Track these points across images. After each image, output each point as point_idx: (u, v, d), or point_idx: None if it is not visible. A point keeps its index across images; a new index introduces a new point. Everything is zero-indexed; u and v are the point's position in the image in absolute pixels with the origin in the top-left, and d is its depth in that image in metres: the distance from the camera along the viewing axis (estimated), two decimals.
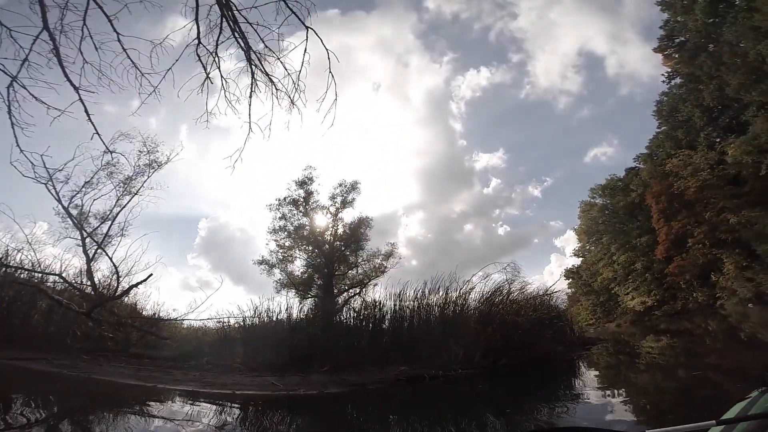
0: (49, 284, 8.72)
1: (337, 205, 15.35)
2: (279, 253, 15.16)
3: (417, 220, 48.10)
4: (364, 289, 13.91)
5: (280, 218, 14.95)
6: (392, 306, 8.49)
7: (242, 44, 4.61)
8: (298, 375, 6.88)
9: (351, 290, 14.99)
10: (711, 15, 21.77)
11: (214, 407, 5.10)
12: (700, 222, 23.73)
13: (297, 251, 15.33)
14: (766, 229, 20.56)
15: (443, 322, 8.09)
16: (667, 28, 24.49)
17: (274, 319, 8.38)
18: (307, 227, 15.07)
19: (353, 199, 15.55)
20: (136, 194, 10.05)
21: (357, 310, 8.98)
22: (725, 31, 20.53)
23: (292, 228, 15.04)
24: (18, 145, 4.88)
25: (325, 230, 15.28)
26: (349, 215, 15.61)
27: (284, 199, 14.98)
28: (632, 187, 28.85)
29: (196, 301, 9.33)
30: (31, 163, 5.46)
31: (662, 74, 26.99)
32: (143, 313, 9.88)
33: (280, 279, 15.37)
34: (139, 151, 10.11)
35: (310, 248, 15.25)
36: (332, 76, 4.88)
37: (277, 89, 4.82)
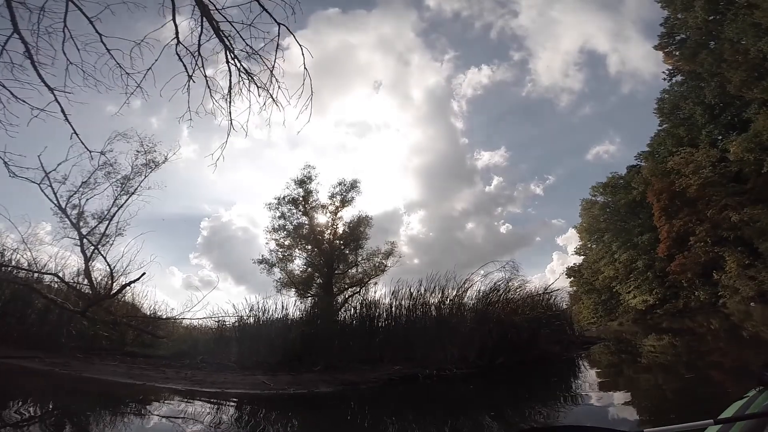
0: (45, 284, 8.62)
1: (336, 203, 15.20)
2: (279, 252, 15.04)
3: (419, 218, 47.93)
4: (363, 288, 13.74)
5: (280, 217, 14.84)
6: (387, 305, 8.33)
7: (226, 43, 4.48)
8: (290, 374, 6.77)
9: (351, 289, 14.83)
10: (711, 12, 21.41)
11: (199, 405, 5.03)
12: (701, 220, 23.35)
13: (297, 250, 15.20)
14: None
15: (439, 321, 7.90)
16: (668, 25, 24.18)
17: (270, 318, 8.26)
18: (306, 226, 14.93)
19: (353, 197, 15.42)
20: (133, 194, 9.92)
21: (352, 309, 8.85)
22: (726, 28, 20.18)
23: (291, 227, 14.92)
24: None
25: (325, 229, 15.12)
26: (348, 214, 15.47)
27: (283, 198, 14.88)
28: (633, 185, 28.49)
29: (192, 300, 9.23)
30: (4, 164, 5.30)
31: (663, 72, 26.72)
32: (140, 312, 9.76)
33: (280, 278, 15.26)
34: (137, 151, 10.01)
35: (310, 247, 15.11)
36: (307, 72, 4.90)
37: (258, 87, 4.66)
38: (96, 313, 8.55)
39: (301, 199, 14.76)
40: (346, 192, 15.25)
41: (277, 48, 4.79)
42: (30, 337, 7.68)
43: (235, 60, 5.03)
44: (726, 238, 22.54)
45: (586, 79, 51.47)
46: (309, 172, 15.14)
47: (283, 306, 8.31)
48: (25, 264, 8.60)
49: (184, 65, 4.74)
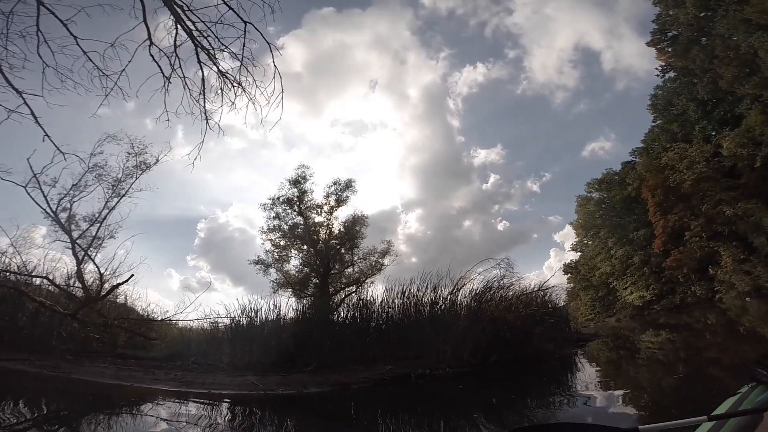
0: (36, 287, 8.48)
1: (331, 203, 15.04)
2: (274, 253, 14.86)
3: (416, 217, 47.73)
4: (360, 288, 13.58)
5: (274, 218, 14.67)
6: (381, 305, 8.18)
7: (197, 43, 4.40)
8: (280, 375, 6.64)
9: (347, 289, 14.65)
10: (702, 8, 21.31)
11: (183, 406, 4.98)
12: (696, 215, 23.22)
13: (292, 251, 15.03)
14: (763, 221, 20.07)
15: (433, 320, 7.74)
16: (660, 22, 24.03)
17: (263, 319, 8.11)
18: (301, 226, 14.74)
19: (348, 197, 15.25)
20: (123, 196, 9.80)
21: (346, 309, 8.70)
22: (717, 24, 20.07)
23: (286, 227, 14.74)
24: None
25: (320, 229, 14.93)
26: (344, 213, 15.30)
27: (278, 198, 14.70)
28: (628, 180, 28.34)
29: (184, 302, 9.10)
30: None
31: (656, 68, 26.60)
32: (132, 314, 9.61)
33: (276, 279, 15.08)
34: (128, 153, 9.88)
35: (306, 247, 14.93)
36: (277, 70, 4.89)
37: (234, 86, 4.58)
38: (87, 316, 8.42)
39: (295, 199, 14.59)
40: (341, 191, 15.12)
41: (243, 46, 4.75)
42: (21, 339, 7.67)
43: (215, 60, 4.91)
44: (721, 233, 22.41)
45: (580, 77, 51.50)
46: (303, 172, 15.01)
47: (275, 307, 8.13)
48: (15, 267, 8.46)
49: (159, 67, 4.75)
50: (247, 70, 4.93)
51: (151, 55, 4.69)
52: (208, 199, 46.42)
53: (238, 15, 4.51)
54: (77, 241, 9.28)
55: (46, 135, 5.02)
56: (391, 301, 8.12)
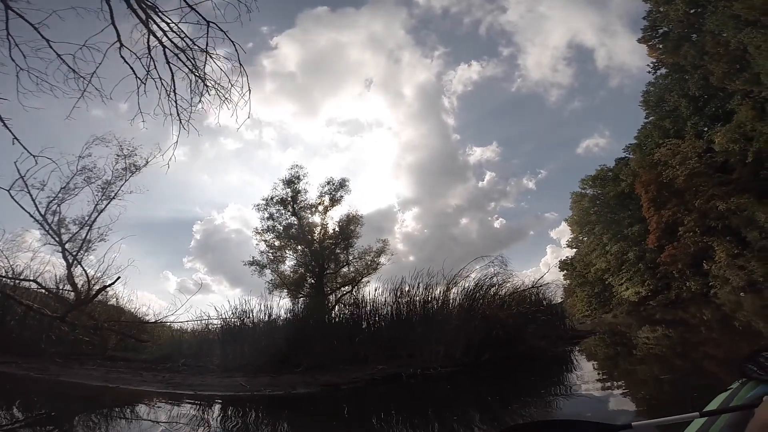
0: (24, 289, 8.30)
1: (325, 203, 14.85)
2: (269, 254, 14.66)
3: (413, 215, 47.66)
4: (355, 287, 13.39)
5: (268, 218, 14.46)
6: (372, 304, 8.02)
7: (162, 42, 4.29)
8: (270, 375, 6.48)
9: (342, 289, 14.45)
10: (692, 5, 21.23)
11: (166, 407, 4.94)
12: (689, 210, 23.13)
13: (287, 251, 14.81)
14: (755, 216, 19.97)
15: (425, 319, 7.56)
16: (650, 18, 23.90)
17: (254, 320, 7.95)
18: (295, 226, 14.54)
19: (341, 196, 15.08)
20: (113, 198, 9.62)
21: (338, 309, 8.54)
22: (707, 21, 19.99)
23: (281, 228, 14.54)
24: None
25: (315, 229, 14.75)
26: (338, 213, 15.12)
27: (271, 198, 14.50)
28: (622, 176, 28.22)
29: (177, 304, 8.93)
30: None
31: (648, 65, 26.44)
32: (124, 316, 9.43)
33: (271, 279, 14.88)
34: (117, 155, 9.70)
35: (300, 248, 14.73)
36: (243, 69, 4.88)
37: (207, 86, 4.51)
38: (77, 318, 8.25)
39: (289, 199, 14.41)
40: (335, 191, 14.96)
41: (207, 45, 4.70)
42: (10, 342, 7.58)
43: (193, 62, 4.81)
44: (714, 228, 22.32)
45: (574, 74, 51.56)
46: (297, 172, 14.83)
47: (267, 307, 7.96)
48: (2, 271, 8.29)
49: (132, 68, 4.69)
50: (222, 70, 4.83)
51: (122, 57, 4.64)
52: (203, 200, 46.27)
53: (200, 14, 4.46)
54: (66, 244, 9.12)
55: (16, 138, 4.92)
56: (383, 300, 7.99)
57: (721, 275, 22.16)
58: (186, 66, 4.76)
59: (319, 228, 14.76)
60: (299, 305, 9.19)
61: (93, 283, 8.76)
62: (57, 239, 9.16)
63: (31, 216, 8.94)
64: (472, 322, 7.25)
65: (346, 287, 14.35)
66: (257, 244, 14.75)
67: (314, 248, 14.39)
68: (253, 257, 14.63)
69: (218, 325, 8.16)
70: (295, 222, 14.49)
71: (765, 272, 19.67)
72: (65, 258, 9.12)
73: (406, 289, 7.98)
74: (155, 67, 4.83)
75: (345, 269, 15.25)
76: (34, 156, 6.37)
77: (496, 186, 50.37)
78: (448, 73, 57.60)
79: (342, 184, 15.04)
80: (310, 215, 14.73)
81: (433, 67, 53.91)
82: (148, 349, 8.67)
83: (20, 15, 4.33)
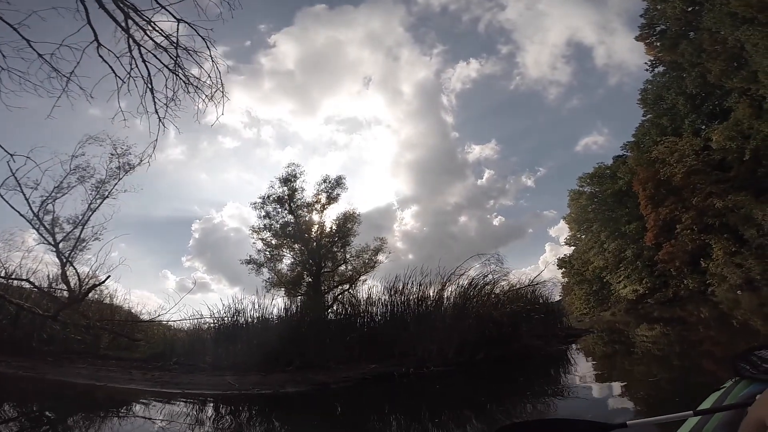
0: (16, 288, 8.17)
1: (322, 201, 14.67)
2: (266, 252, 14.51)
3: (412, 213, 47.43)
4: (352, 286, 13.22)
5: (265, 216, 14.30)
6: (366, 302, 7.87)
7: (135, 41, 4.24)
8: (260, 374, 6.35)
9: (340, 287, 14.29)
10: (689, 2, 21.03)
11: (149, 405, 4.93)
12: (687, 207, 22.92)
13: (284, 249, 14.65)
14: (753, 213, 19.73)
15: (419, 318, 7.40)
16: (648, 16, 23.67)
17: (247, 318, 7.82)
18: (292, 225, 14.38)
19: (338, 194, 14.89)
20: (107, 197, 9.49)
21: (333, 307, 8.38)
22: (704, 18, 19.74)
23: (277, 226, 14.38)
24: None
25: (312, 227, 14.58)
26: (335, 211, 14.95)
27: (268, 197, 14.34)
28: (619, 174, 27.98)
29: (175, 302, 8.81)
30: None
31: (646, 63, 26.18)
32: (117, 315, 9.29)
33: (269, 278, 14.72)
34: (111, 155, 9.56)
35: (298, 246, 14.57)
36: (216, 67, 4.86)
37: (186, 83, 4.43)
38: (69, 317, 8.10)
39: (286, 197, 14.24)
40: (332, 189, 14.77)
41: (176, 43, 4.63)
42: (3, 341, 7.46)
43: (178, 61, 4.73)
44: (711, 225, 22.10)
45: (573, 72, 50.78)
46: (293, 170, 14.66)
47: (260, 306, 7.82)
48: None
49: (111, 67, 4.64)
50: (201, 67, 4.69)
51: (101, 56, 4.54)
52: (202, 199, 46.09)
53: (170, 12, 4.36)
54: (60, 243, 8.99)
55: None
56: (376, 299, 7.84)
57: (719, 273, 21.96)
58: (162, 63, 4.68)
59: (316, 226, 14.62)
60: (293, 304, 8.99)
61: (86, 282, 8.63)
62: (51, 238, 9.05)
63: (23, 216, 8.80)
64: (465, 321, 7.13)
65: (344, 286, 14.20)
66: (254, 243, 14.62)
67: (311, 247, 14.23)
68: (250, 256, 14.51)
69: (211, 324, 8.04)
70: (292, 220, 14.35)
71: (762, 270, 19.48)
72: (59, 257, 9.01)
73: (401, 287, 7.82)
74: (136, 66, 4.72)
75: (342, 267, 15.13)
76: (11, 155, 6.27)
77: (495, 184, 50.01)
78: (447, 70, 56.90)
79: (338, 182, 14.90)
80: (307, 213, 14.59)
81: (431, 64, 53.49)
82: (141, 347, 8.54)
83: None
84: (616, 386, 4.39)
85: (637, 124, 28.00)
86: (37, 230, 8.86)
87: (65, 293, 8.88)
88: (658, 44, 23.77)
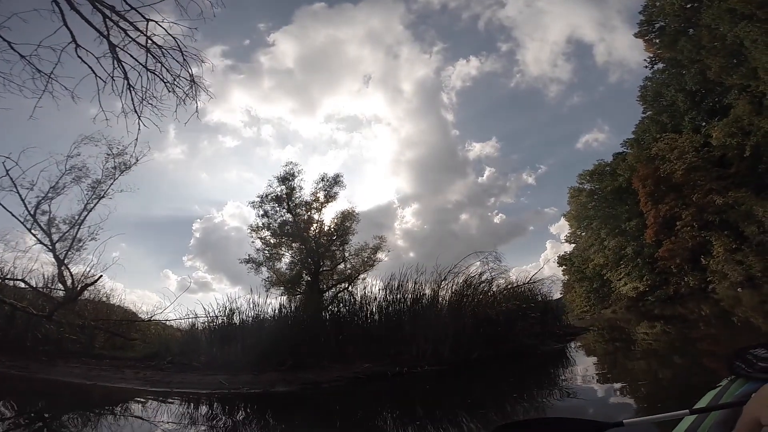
0: (11, 288, 8.10)
1: (320, 199, 14.52)
2: (265, 251, 14.38)
3: (413, 211, 47.16)
4: (351, 285, 13.08)
5: (263, 215, 14.17)
6: (361, 301, 7.72)
7: (110, 42, 4.11)
8: (252, 374, 6.21)
9: (338, 286, 14.15)
10: None
11: (134, 403, 4.93)
12: (687, 204, 22.62)
13: (283, 248, 14.52)
14: (753, 210, 19.41)
15: (414, 316, 7.24)
16: (647, 13, 23.30)
17: (242, 318, 7.70)
18: (291, 223, 14.24)
19: (336, 192, 14.73)
20: (102, 197, 9.41)
21: (327, 307, 8.23)
22: (703, 15, 19.41)
23: (276, 225, 14.25)
24: None
25: (310, 226, 14.43)
26: (333, 209, 14.79)
27: (266, 196, 14.21)
28: (619, 171, 27.64)
29: (174, 302, 8.72)
30: None
31: (645, 60, 25.86)
32: (114, 314, 9.20)
33: (268, 277, 14.60)
34: (107, 155, 9.48)
35: (296, 245, 14.43)
36: (188, 64, 4.80)
37: (164, 82, 4.36)
38: (64, 317, 8.00)
39: (284, 196, 14.11)
40: (330, 187, 14.61)
41: (147, 42, 4.53)
42: None
43: (158, 58, 4.65)
44: (712, 222, 21.79)
45: (574, 69, 50.22)
46: (291, 169, 14.50)
47: (255, 305, 7.68)
48: None
49: (90, 67, 4.64)
50: (181, 65, 4.64)
51: (80, 57, 4.55)
52: (202, 198, 46.06)
53: (137, 11, 4.28)
54: (57, 243, 8.91)
55: None
56: (372, 297, 7.69)
57: (719, 270, 21.64)
58: (138, 62, 4.56)
59: (314, 225, 14.46)
60: (288, 303, 8.82)
61: (81, 281, 8.53)
62: (47, 238, 8.99)
63: (16, 217, 8.72)
64: (461, 320, 6.95)
65: (343, 284, 14.05)
66: (253, 242, 14.50)
67: (310, 245, 14.09)
68: (249, 255, 14.39)
69: (205, 324, 7.92)
70: (291, 219, 14.21)
71: (763, 267, 19.18)
72: (55, 257, 8.93)
73: (396, 285, 7.66)
74: (119, 66, 4.64)
75: (341, 266, 14.98)
76: (6, 156, 6.22)
77: (495, 181, 49.65)
78: (447, 68, 56.31)
79: (336, 180, 14.73)
80: (305, 212, 14.43)
81: (431, 62, 53.04)
82: (137, 347, 8.44)
83: None
84: (614, 385, 4.29)
85: (637, 121, 27.74)
86: (30, 230, 8.78)
87: (62, 293, 8.82)
88: (657, 41, 23.44)
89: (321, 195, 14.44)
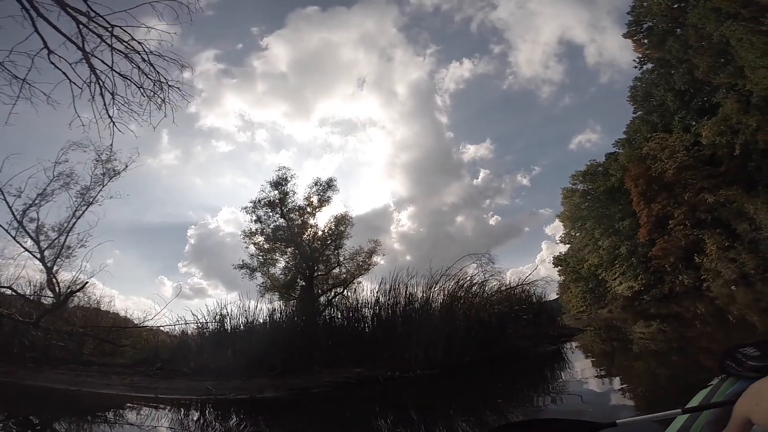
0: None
1: (314, 204, 14.35)
2: (259, 257, 14.16)
3: (408, 214, 47.09)
4: (346, 289, 12.87)
5: (256, 221, 13.97)
6: (353, 306, 7.57)
7: (79, 46, 4.08)
8: (241, 379, 6.04)
9: (333, 290, 13.93)
10: None
11: (111, 408, 4.89)
12: (679, 203, 22.64)
13: (277, 253, 14.30)
14: (744, 208, 19.41)
15: (406, 320, 7.10)
16: (635, 13, 23.40)
17: (232, 324, 7.53)
18: (284, 228, 14.05)
19: (329, 197, 14.57)
20: (91, 203, 9.24)
21: (320, 311, 8.08)
22: (689, 14, 19.52)
23: (269, 230, 14.05)
24: None
25: (304, 230, 14.23)
26: (327, 214, 14.62)
27: (259, 201, 14.02)
28: (611, 171, 27.66)
29: (155, 308, 8.53)
30: None
31: (634, 60, 25.93)
32: (105, 321, 9.01)
33: (263, 282, 14.39)
34: (95, 161, 9.32)
35: (290, 250, 14.24)
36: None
37: (139, 87, 4.26)
38: (53, 324, 7.81)
39: (277, 201, 13.92)
40: (323, 192, 14.45)
41: (111, 46, 4.48)
42: None
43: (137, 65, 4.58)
44: (704, 220, 21.80)
45: (565, 71, 50.78)
46: (284, 174, 14.30)
47: (246, 310, 7.51)
48: None
49: (64, 73, 4.55)
50: (157, 71, 4.56)
51: (52, 63, 4.44)
52: (196, 204, 45.76)
53: (102, 17, 4.25)
54: (46, 251, 8.72)
55: None
56: (363, 302, 7.56)
57: (713, 268, 21.62)
58: (106, 65, 4.52)
59: (308, 229, 14.27)
60: (279, 308, 8.61)
61: (70, 288, 8.33)
62: (36, 246, 8.81)
63: (1, 226, 8.52)
64: (453, 323, 6.82)
65: (338, 289, 13.84)
66: (246, 247, 14.29)
67: (304, 250, 13.91)
68: (243, 260, 14.18)
69: (196, 330, 7.74)
70: (284, 224, 14.03)
71: (756, 265, 19.13)
72: (44, 264, 8.75)
73: (388, 289, 7.51)
74: (94, 71, 4.57)
75: (336, 270, 14.77)
76: None
77: (490, 183, 49.82)
78: (441, 71, 56.88)
79: (329, 185, 14.56)
80: (298, 217, 14.24)
81: (425, 65, 53.49)
82: (127, 353, 8.25)
83: None
84: (608, 385, 4.23)
85: (628, 122, 27.81)
86: (14, 238, 8.58)
87: (51, 300, 8.61)
88: (646, 41, 23.56)
89: (314, 199, 14.30)
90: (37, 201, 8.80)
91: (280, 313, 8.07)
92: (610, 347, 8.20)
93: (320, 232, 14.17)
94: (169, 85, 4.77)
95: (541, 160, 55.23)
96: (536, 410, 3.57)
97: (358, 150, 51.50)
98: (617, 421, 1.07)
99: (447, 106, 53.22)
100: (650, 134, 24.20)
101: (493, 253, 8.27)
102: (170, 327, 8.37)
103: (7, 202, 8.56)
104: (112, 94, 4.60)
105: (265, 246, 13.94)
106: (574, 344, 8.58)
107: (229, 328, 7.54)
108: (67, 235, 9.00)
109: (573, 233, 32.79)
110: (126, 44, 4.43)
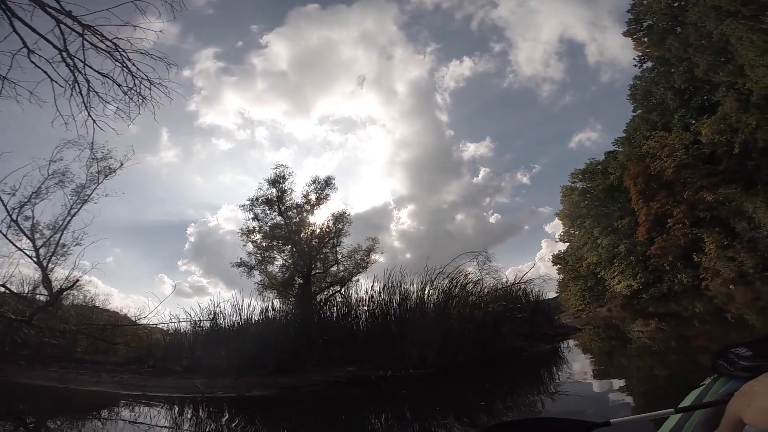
0: None
1: (312, 202, 14.22)
2: (257, 255, 14.04)
3: (408, 212, 46.94)
4: (343, 287, 12.72)
5: (254, 219, 13.84)
6: (346, 304, 7.44)
7: (55, 45, 3.97)
8: (232, 377, 5.92)
9: (331, 288, 13.80)
10: None
11: (101, 406, 4.91)
12: (678, 201, 22.43)
13: (275, 251, 14.17)
14: (743, 206, 19.18)
15: (400, 319, 6.95)
16: (635, 11, 23.18)
17: (226, 322, 7.41)
18: (281, 226, 13.93)
19: (328, 195, 14.41)
20: (87, 201, 9.13)
21: (315, 310, 7.94)
22: (689, 12, 19.27)
23: (267, 228, 13.92)
24: None
25: (302, 228, 14.10)
26: (325, 212, 14.48)
27: (257, 199, 13.88)
28: (610, 170, 27.43)
29: (150, 306, 8.42)
30: None
31: (634, 58, 25.73)
32: (100, 319, 8.90)
33: (261, 280, 14.25)
34: (91, 159, 9.19)
35: (288, 248, 14.11)
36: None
37: (119, 86, 4.18)
38: (46, 322, 7.71)
39: (275, 199, 13.80)
40: (321, 190, 14.30)
41: (83, 49, 4.47)
42: None
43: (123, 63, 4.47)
44: (703, 219, 21.58)
45: (566, 69, 50.41)
46: (282, 171, 14.16)
47: (239, 308, 7.37)
48: None
49: (45, 72, 4.49)
50: (140, 65, 4.43)
51: (33, 62, 4.40)
52: (196, 202, 45.65)
53: (75, 19, 4.07)
54: (40, 249, 8.61)
55: None
56: (357, 300, 7.43)
57: (712, 267, 21.42)
58: (83, 62, 4.39)
59: (306, 227, 14.14)
60: (273, 306, 8.47)
61: (63, 286, 8.22)
62: (30, 243, 8.69)
63: (13, 220, 8.43)
64: (447, 322, 6.67)
65: (336, 287, 13.71)
66: (244, 245, 14.17)
67: (301, 248, 13.78)
68: (240, 258, 14.05)
69: (188, 327, 7.64)
70: (282, 222, 13.91)
71: (754, 263, 18.91)
72: (38, 262, 8.63)
73: (382, 287, 7.37)
74: (77, 69, 4.47)
75: (334, 268, 14.64)
76: None
77: (490, 181, 49.56)
78: (441, 69, 56.39)
79: (328, 183, 14.41)
80: (296, 215, 14.12)
81: (425, 63, 53.15)
82: (120, 351, 8.15)
83: None
84: (604, 384, 4.16)
85: (628, 120, 27.56)
86: (5, 236, 8.47)
87: (45, 298, 8.50)
88: (646, 40, 23.33)
89: (313, 197, 14.16)
90: (31, 199, 8.70)
91: (274, 311, 7.98)
92: (607, 346, 8.05)
93: (318, 230, 14.07)
94: (151, 83, 4.62)
95: (541, 159, 55.07)
96: (530, 410, 3.46)
97: (358, 148, 51.41)
98: (611, 420, 1.07)
99: (447, 105, 53.02)
100: (650, 133, 23.99)
101: (490, 251, 8.13)
102: (164, 325, 8.29)
103: (1, 200, 8.47)
104: (89, 92, 4.50)
105: (263, 244, 13.86)
106: (571, 343, 8.43)
107: (225, 325, 7.45)
108: (62, 233, 8.92)
109: (572, 232, 32.58)
110: (109, 43, 4.32)
